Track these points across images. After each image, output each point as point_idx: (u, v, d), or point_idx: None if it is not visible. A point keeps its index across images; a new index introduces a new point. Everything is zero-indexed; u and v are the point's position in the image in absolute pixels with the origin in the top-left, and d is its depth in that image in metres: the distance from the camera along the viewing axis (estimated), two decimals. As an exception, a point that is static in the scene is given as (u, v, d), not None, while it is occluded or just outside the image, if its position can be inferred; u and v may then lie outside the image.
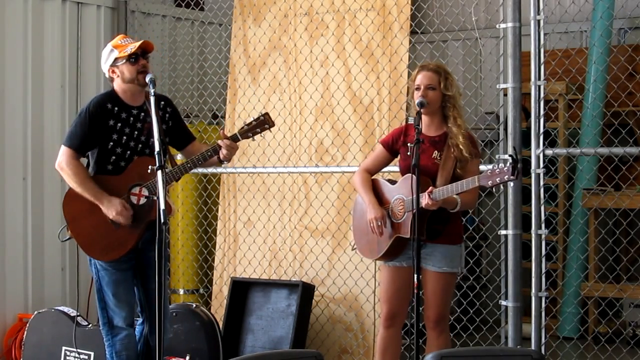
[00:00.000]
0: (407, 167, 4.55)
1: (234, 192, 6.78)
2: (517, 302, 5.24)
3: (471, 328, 5.96)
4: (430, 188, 4.37)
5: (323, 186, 6.38)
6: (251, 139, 4.63)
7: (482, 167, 4.86)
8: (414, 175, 4.33)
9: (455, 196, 4.40)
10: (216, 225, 6.92)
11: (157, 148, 3.79)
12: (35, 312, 6.08)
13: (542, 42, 5.25)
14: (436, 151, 4.56)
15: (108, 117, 4.52)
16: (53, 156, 6.67)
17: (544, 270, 5.26)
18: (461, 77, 7.59)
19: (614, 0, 6.85)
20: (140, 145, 4.59)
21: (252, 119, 4.61)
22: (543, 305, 5.24)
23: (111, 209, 4.48)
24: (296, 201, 6.52)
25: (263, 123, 4.60)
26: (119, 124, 4.54)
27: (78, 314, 5.81)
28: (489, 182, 4.19)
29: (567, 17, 7.03)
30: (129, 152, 4.56)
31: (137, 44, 4.49)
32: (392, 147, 4.71)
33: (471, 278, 7.12)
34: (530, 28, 5.25)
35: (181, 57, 7.58)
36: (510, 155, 4.13)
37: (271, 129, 4.68)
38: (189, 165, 4.53)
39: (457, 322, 6.15)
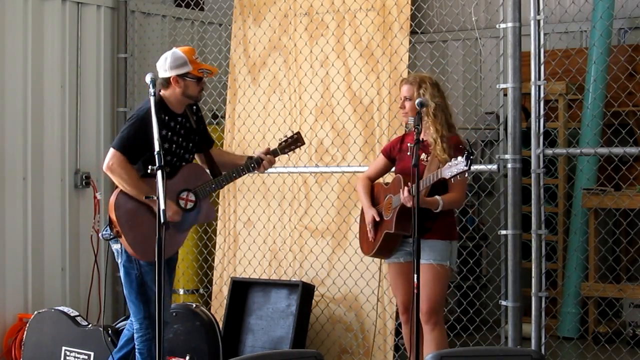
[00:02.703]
0: (400, 169, 4.91)
1: (234, 192, 6.78)
2: (517, 302, 5.24)
3: (471, 328, 5.96)
4: (409, 184, 4.59)
5: (323, 186, 6.38)
6: (286, 154, 5.05)
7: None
8: (399, 175, 4.76)
9: (437, 197, 4.65)
10: (216, 225, 6.92)
11: (156, 148, 3.81)
12: (35, 312, 6.08)
13: (542, 42, 5.26)
14: (424, 153, 4.77)
15: (161, 126, 4.56)
16: (53, 156, 6.76)
17: (543, 270, 5.27)
18: (461, 77, 7.59)
19: (614, 0, 6.85)
20: (181, 151, 4.79)
21: (287, 137, 4.99)
22: (543, 305, 5.24)
23: (168, 209, 4.50)
24: (296, 201, 6.52)
25: (297, 141, 4.98)
26: (169, 133, 4.70)
27: (79, 317, 5.84)
28: (448, 174, 4.42)
29: (567, 17, 7.04)
30: (175, 158, 4.73)
31: (214, 70, 4.77)
32: (390, 154, 5.05)
33: (471, 278, 7.12)
34: (530, 28, 5.25)
35: (181, 57, 7.56)
36: (464, 148, 4.38)
37: (302, 147, 5.07)
38: (234, 174, 4.84)
39: (457, 322, 6.15)
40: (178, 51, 4.69)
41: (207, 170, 4.92)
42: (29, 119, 6.65)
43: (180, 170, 4.73)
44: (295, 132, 5.03)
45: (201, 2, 7.64)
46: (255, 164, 4.84)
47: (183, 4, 7.43)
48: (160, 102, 4.64)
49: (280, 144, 4.95)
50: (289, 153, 5.03)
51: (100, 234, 4.90)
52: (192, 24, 7.75)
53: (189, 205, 4.71)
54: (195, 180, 4.77)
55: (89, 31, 7.09)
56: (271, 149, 4.95)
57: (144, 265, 4.67)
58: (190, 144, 4.83)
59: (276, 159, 4.94)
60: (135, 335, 4.78)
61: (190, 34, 7.70)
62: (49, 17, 6.81)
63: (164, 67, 4.66)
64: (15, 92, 6.58)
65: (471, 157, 4.28)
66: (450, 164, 4.40)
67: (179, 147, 4.76)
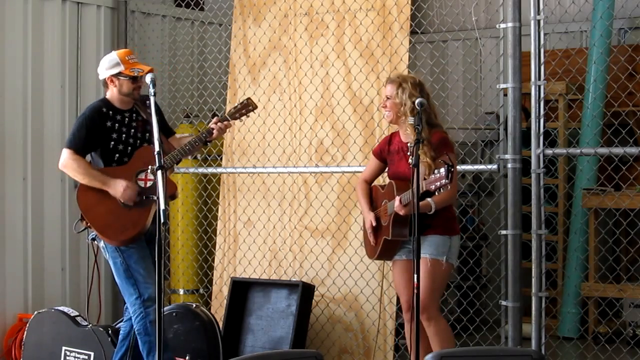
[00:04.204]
0: (392, 174, 4.94)
1: (234, 192, 6.77)
2: (517, 302, 5.24)
3: (471, 328, 5.96)
4: (400, 196, 4.66)
5: (323, 186, 6.38)
6: (239, 120, 5.12)
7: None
8: (392, 181, 4.81)
9: (429, 200, 4.67)
10: (216, 225, 6.92)
11: (156, 148, 3.92)
12: (35, 312, 6.07)
13: (542, 42, 5.25)
14: (411, 157, 4.69)
15: (105, 119, 4.94)
16: (53, 156, 6.73)
17: (544, 270, 5.26)
18: (461, 77, 7.60)
19: (614, 0, 6.85)
20: (138, 141, 5.02)
21: (237, 104, 5.12)
22: (543, 305, 5.24)
23: (118, 187, 4.84)
24: (296, 201, 6.52)
25: (247, 106, 5.09)
26: (116, 125, 4.96)
27: (79, 317, 5.83)
28: (432, 187, 4.42)
29: (567, 17, 7.04)
30: (129, 147, 4.98)
31: (146, 69, 4.92)
32: (381, 155, 5.07)
33: (471, 278, 7.12)
34: (530, 28, 5.25)
35: (181, 57, 7.57)
36: (445, 162, 4.34)
37: (255, 111, 5.16)
38: (187, 147, 4.95)
39: (457, 322, 6.15)
40: (113, 53, 5.03)
41: None
42: (29, 119, 6.66)
43: (134, 155, 4.97)
44: (246, 97, 5.18)
45: (201, 2, 7.64)
46: (206, 134, 4.99)
47: (183, 4, 7.43)
48: (105, 101, 5.02)
49: (230, 110, 5.11)
50: (241, 118, 5.11)
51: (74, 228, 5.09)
52: (192, 24, 7.74)
53: (149, 183, 4.91)
54: (150, 159, 4.86)
55: (89, 31, 7.09)
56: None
57: (124, 250, 4.89)
58: (148, 134, 5.02)
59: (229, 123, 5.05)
60: (133, 319, 4.92)
61: (190, 34, 7.70)
62: (49, 17, 6.81)
63: (101, 69, 5.00)
64: (15, 92, 6.58)
65: (451, 169, 4.30)
66: (433, 176, 4.42)
67: (131, 137, 4.98)
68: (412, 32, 6.55)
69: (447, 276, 4.97)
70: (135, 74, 4.91)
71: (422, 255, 4.69)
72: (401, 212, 4.66)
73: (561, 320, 6.97)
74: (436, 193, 4.47)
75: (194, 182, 7.12)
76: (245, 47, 6.84)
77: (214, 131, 4.97)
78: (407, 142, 4.82)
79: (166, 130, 5.23)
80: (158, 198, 3.79)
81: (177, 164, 5.12)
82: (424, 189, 4.47)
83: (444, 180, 4.32)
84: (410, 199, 4.57)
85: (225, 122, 5.00)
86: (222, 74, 7.00)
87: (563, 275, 7.01)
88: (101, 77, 5.01)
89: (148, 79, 4.23)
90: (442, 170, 4.33)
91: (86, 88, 7.03)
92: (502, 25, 5.31)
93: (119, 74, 4.92)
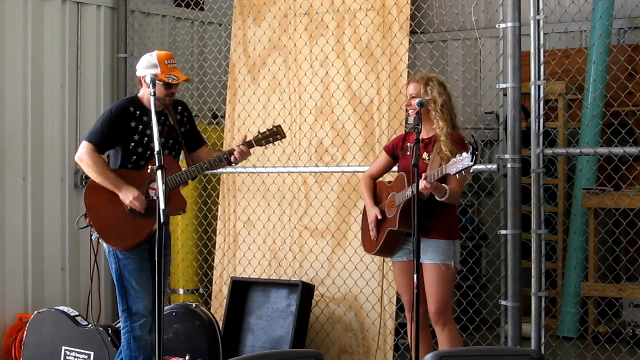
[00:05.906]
0: (403, 168, 4.91)
1: (234, 192, 6.78)
2: (517, 302, 5.24)
3: (471, 328, 5.96)
4: (424, 174, 4.58)
5: (323, 186, 6.38)
6: (264, 147, 5.01)
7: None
8: (403, 173, 4.79)
9: (444, 185, 4.61)
10: (216, 225, 6.92)
11: (157, 148, 3.91)
12: (35, 312, 6.08)
13: (542, 42, 5.26)
14: (426, 153, 4.78)
15: (130, 119, 4.81)
16: (53, 156, 6.76)
17: (543, 270, 5.27)
18: (461, 77, 7.59)
19: (614, 0, 6.85)
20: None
21: (266, 130, 4.96)
22: (543, 305, 5.25)
23: (129, 195, 4.74)
24: (296, 201, 6.52)
25: (276, 134, 4.94)
26: (141, 127, 4.83)
27: (79, 317, 5.83)
28: (454, 170, 4.40)
29: (567, 17, 7.04)
30: (149, 152, 4.84)
31: (182, 77, 4.79)
32: (394, 152, 5.05)
33: (471, 278, 7.12)
34: (530, 28, 5.25)
35: (181, 57, 7.57)
36: (470, 144, 4.35)
37: (283, 140, 4.99)
38: (206, 165, 4.87)
39: (457, 322, 6.14)
40: (154, 54, 4.86)
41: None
42: (29, 119, 6.66)
43: (151, 162, 4.80)
44: (276, 125, 5.01)
45: (201, 2, 7.64)
46: (228, 155, 4.89)
47: (183, 4, 7.43)
48: (135, 100, 4.91)
49: (257, 136, 4.94)
50: (267, 145, 4.99)
51: (76, 224, 5.04)
52: (192, 24, 7.75)
53: None
54: (167, 170, 4.75)
55: (89, 31, 7.09)
56: (248, 139, 4.96)
57: (122, 259, 4.82)
58: (171, 141, 4.92)
59: (252, 151, 4.93)
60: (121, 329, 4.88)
61: (190, 34, 7.70)
62: (49, 17, 6.81)
63: (139, 66, 4.87)
64: (15, 92, 6.58)
65: (476, 152, 4.26)
66: (455, 160, 4.39)
67: (153, 142, 4.75)
68: (412, 32, 6.56)
69: (455, 280, 4.98)
70: (170, 81, 4.76)
71: (431, 261, 4.74)
72: (430, 190, 4.54)
73: (561, 320, 6.98)
74: (457, 176, 4.44)
75: (194, 182, 7.11)
76: (245, 47, 6.84)
77: (236, 153, 4.84)
78: (425, 138, 4.81)
79: (197, 140, 5.09)
80: (158, 198, 3.77)
81: (192, 180, 4.98)
82: (446, 173, 4.45)
83: (467, 162, 4.28)
84: (436, 177, 4.54)
85: (250, 148, 4.87)
86: (222, 74, 7.01)
87: (563, 275, 7.01)
88: (137, 75, 4.88)
89: (148, 78, 4.21)
90: (465, 154, 4.31)
91: (86, 88, 7.03)
92: (502, 25, 5.31)
93: (155, 75, 4.77)
